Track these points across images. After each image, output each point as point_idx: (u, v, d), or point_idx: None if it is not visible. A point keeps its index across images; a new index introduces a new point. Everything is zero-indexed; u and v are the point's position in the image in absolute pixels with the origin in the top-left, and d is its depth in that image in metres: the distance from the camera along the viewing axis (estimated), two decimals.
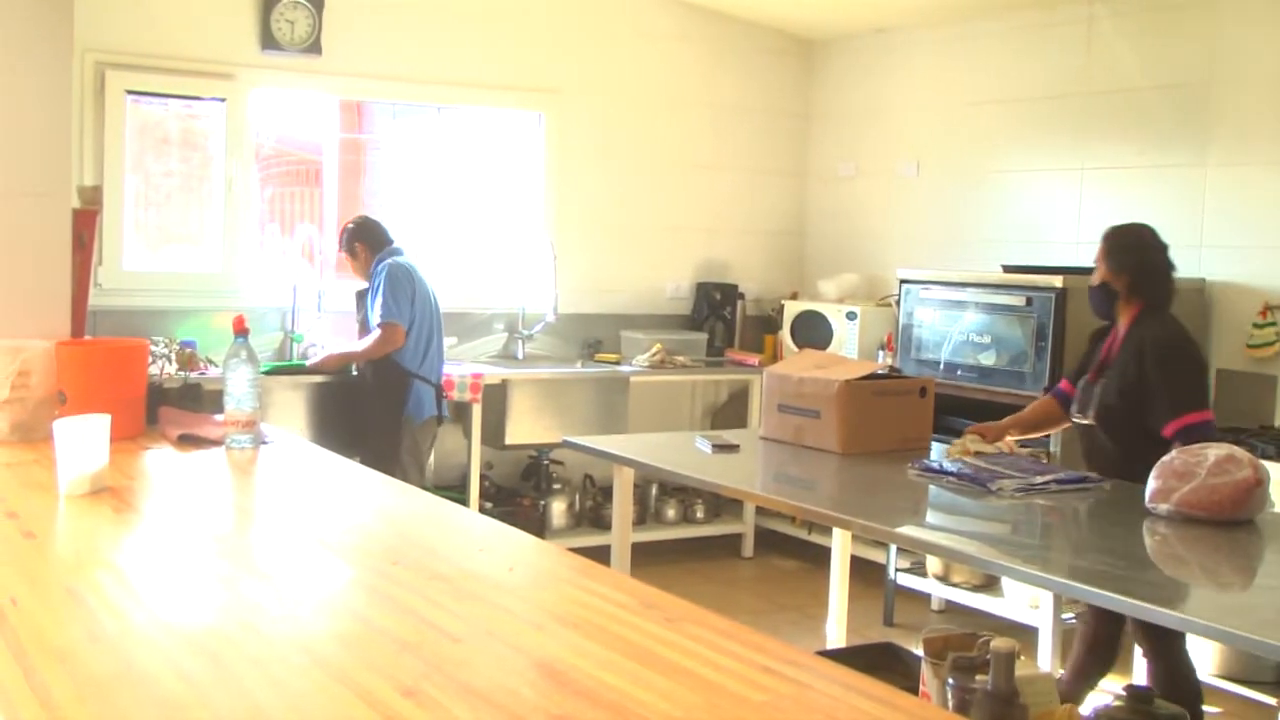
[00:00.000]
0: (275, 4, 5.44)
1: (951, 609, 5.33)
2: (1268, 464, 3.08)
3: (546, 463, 6.01)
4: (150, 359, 4.73)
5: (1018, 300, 4.91)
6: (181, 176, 5.54)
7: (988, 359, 5.01)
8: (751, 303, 6.76)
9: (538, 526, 5.76)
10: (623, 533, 3.85)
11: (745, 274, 6.79)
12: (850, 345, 5.94)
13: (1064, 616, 4.31)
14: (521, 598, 1.92)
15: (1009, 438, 3.82)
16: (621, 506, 3.86)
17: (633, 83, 6.43)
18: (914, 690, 2.78)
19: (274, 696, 1.45)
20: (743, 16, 6.62)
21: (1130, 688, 2.75)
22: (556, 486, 6.03)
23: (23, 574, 1.92)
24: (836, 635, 4.31)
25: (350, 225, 5.20)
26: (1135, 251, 3.65)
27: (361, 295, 5.20)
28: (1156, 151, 5.21)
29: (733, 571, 6.13)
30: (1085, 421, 3.66)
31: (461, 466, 5.71)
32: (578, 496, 6.06)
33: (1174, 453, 3.01)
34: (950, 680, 2.45)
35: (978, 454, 3.57)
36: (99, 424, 2.44)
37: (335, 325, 5.58)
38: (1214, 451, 2.91)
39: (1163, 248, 3.69)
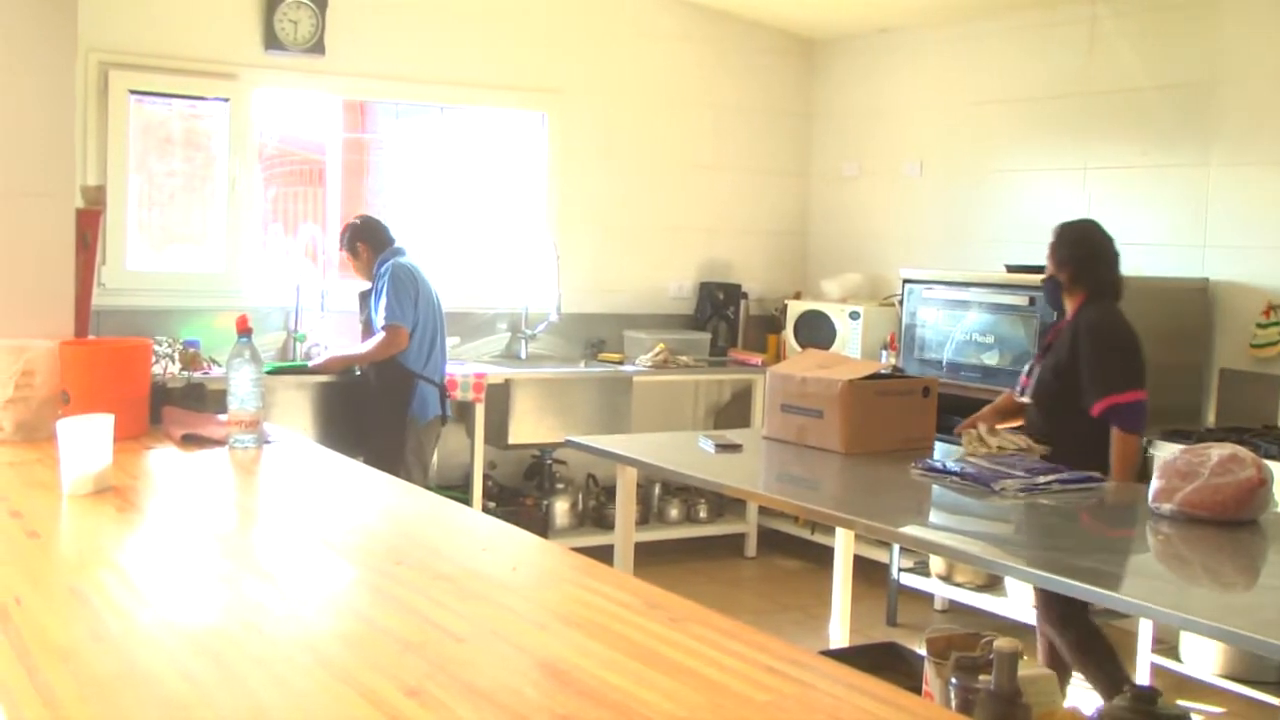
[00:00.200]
0: (278, 4, 5.44)
1: (954, 609, 5.33)
2: (1271, 464, 3.08)
3: (550, 462, 6.01)
4: (154, 359, 4.76)
5: (1020, 300, 4.90)
6: (185, 176, 5.54)
7: (991, 359, 5.00)
8: (754, 302, 6.75)
9: (541, 526, 5.76)
10: (626, 532, 3.85)
11: (748, 274, 6.79)
12: (853, 345, 5.94)
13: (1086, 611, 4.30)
14: (525, 597, 1.92)
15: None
16: (624, 506, 3.86)
17: (636, 83, 6.43)
18: (917, 690, 2.78)
19: (277, 696, 1.45)
20: (746, 16, 6.61)
21: (1133, 687, 2.74)
22: (560, 486, 6.03)
23: (26, 573, 1.92)
24: (840, 635, 4.31)
25: (352, 225, 5.20)
26: (1076, 246, 3.90)
27: (364, 296, 5.20)
28: (1159, 151, 5.20)
29: (736, 571, 6.13)
30: (1024, 401, 3.96)
31: (464, 466, 5.71)
32: (581, 496, 6.06)
33: (1178, 452, 3.01)
34: (953, 680, 2.45)
35: (999, 448, 3.56)
36: (102, 424, 2.44)
37: (338, 325, 5.59)
38: (1218, 451, 2.91)
39: (1104, 242, 3.93)
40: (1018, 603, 4.86)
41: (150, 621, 1.72)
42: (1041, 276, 4.01)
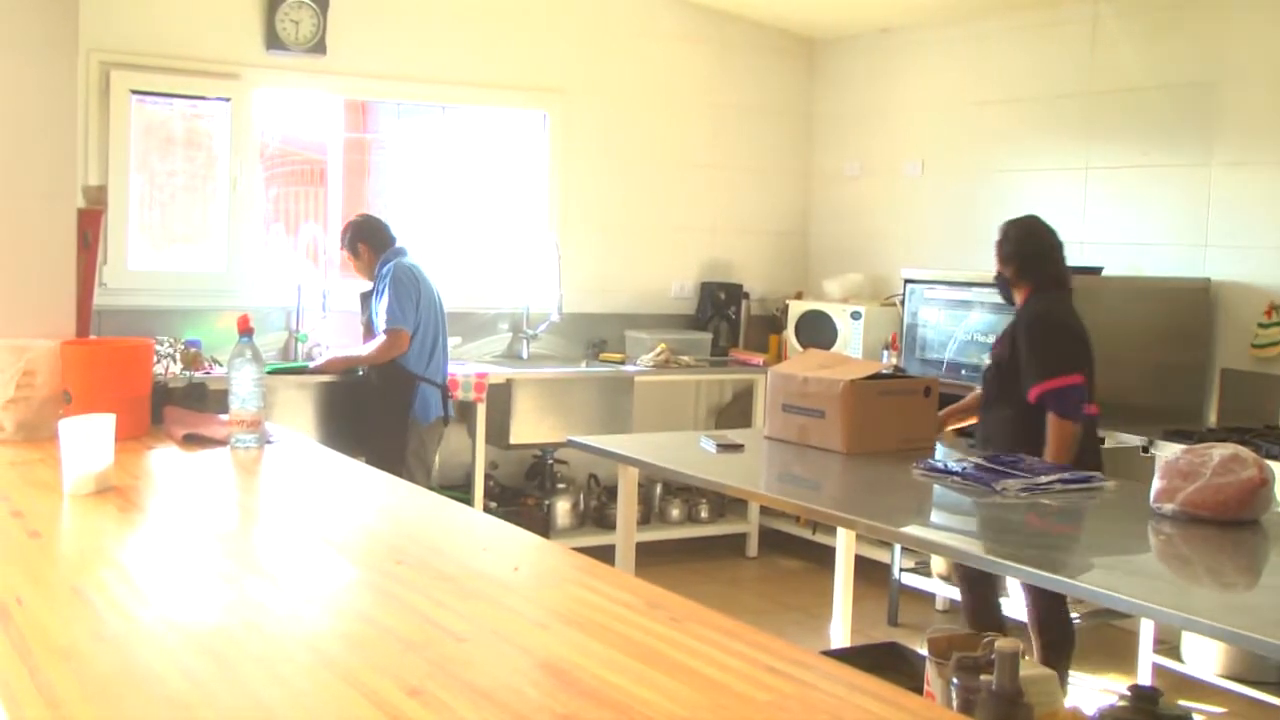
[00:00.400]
0: (280, 4, 5.44)
1: (956, 609, 5.33)
2: (1273, 464, 3.08)
3: (551, 462, 6.01)
4: (155, 358, 4.76)
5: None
6: (186, 176, 5.54)
7: None
8: (756, 302, 6.75)
9: (542, 526, 5.77)
10: (627, 532, 3.85)
11: (750, 274, 6.79)
12: (855, 345, 5.93)
13: (1076, 617, 4.30)
14: (526, 597, 1.92)
15: (948, 426, 4.23)
16: (626, 506, 3.86)
17: (637, 82, 6.43)
18: (919, 690, 2.78)
19: (279, 696, 1.45)
20: (748, 16, 6.61)
21: (1134, 688, 2.74)
22: (561, 486, 6.03)
23: (28, 573, 1.92)
24: (841, 635, 4.31)
25: (353, 224, 5.19)
26: (1019, 243, 4.03)
27: (366, 296, 5.20)
28: (1161, 151, 5.20)
29: (737, 571, 6.13)
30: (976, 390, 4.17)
31: (466, 466, 5.71)
32: (582, 496, 6.06)
33: (1179, 452, 3.01)
34: (955, 680, 2.45)
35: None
36: (104, 423, 2.44)
37: (340, 325, 5.59)
38: (1219, 451, 2.91)
39: (1046, 236, 4.05)
40: (1019, 603, 4.86)
41: (152, 621, 1.72)
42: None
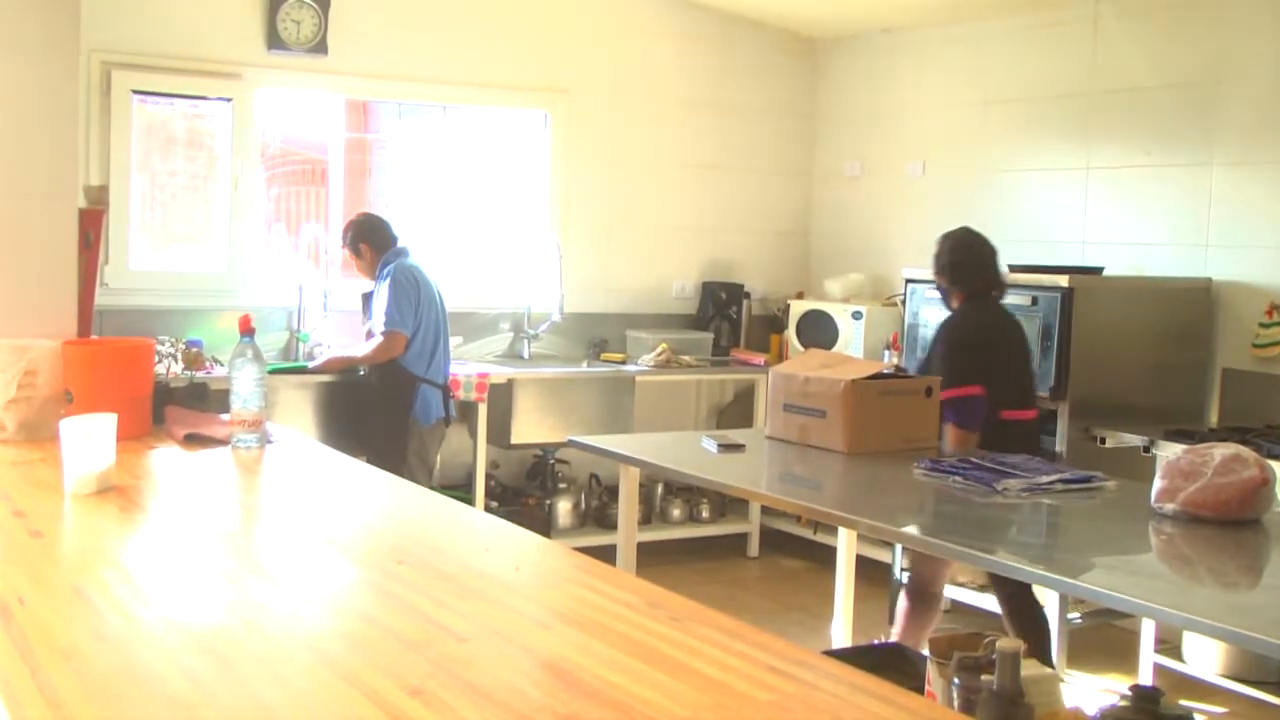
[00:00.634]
0: (281, 4, 5.44)
1: (957, 609, 5.32)
2: (1274, 463, 3.08)
3: (552, 462, 6.01)
4: (156, 358, 4.76)
5: (1023, 300, 4.89)
6: (187, 176, 5.54)
7: None
8: (757, 302, 6.75)
9: (543, 526, 5.77)
10: (628, 532, 3.85)
11: (751, 273, 6.79)
12: (856, 345, 5.93)
13: (1070, 616, 4.31)
14: (527, 597, 1.92)
15: None
16: (627, 506, 3.86)
17: (639, 82, 6.43)
18: (920, 690, 2.78)
19: (280, 695, 1.45)
20: (749, 16, 6.61)
21: (1135, 688, 2.74)
22: (562, 486, 6.03)
23: (29, 573, 1.92)
24: (842, 635, 4.31)
25: (354, 222, 5.18)
26: (948, 254, 4.18)
27: (367, 297, 5.20)
28: (1163, 151, 5.20)
29: (738, 571, 6.13)
30: None
31: (467, 466, 5.71)
32: (583, 496, 6.06)
33: (1180, 452, 3.01)
34: (956, 680, 2.45)
35: None
36: (105, 423, 2.44)
37: (341, 325, 5.59)
38: (1220, 451, 2.90)
39: (973, 246, 4.18)
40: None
41: (153, 621, 1.72)
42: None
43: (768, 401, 4.03)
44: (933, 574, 4.14)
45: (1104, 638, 4.89)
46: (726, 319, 6.56)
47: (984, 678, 2.35)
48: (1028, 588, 3.89)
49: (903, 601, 4.23)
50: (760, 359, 6.28)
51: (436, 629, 1.70)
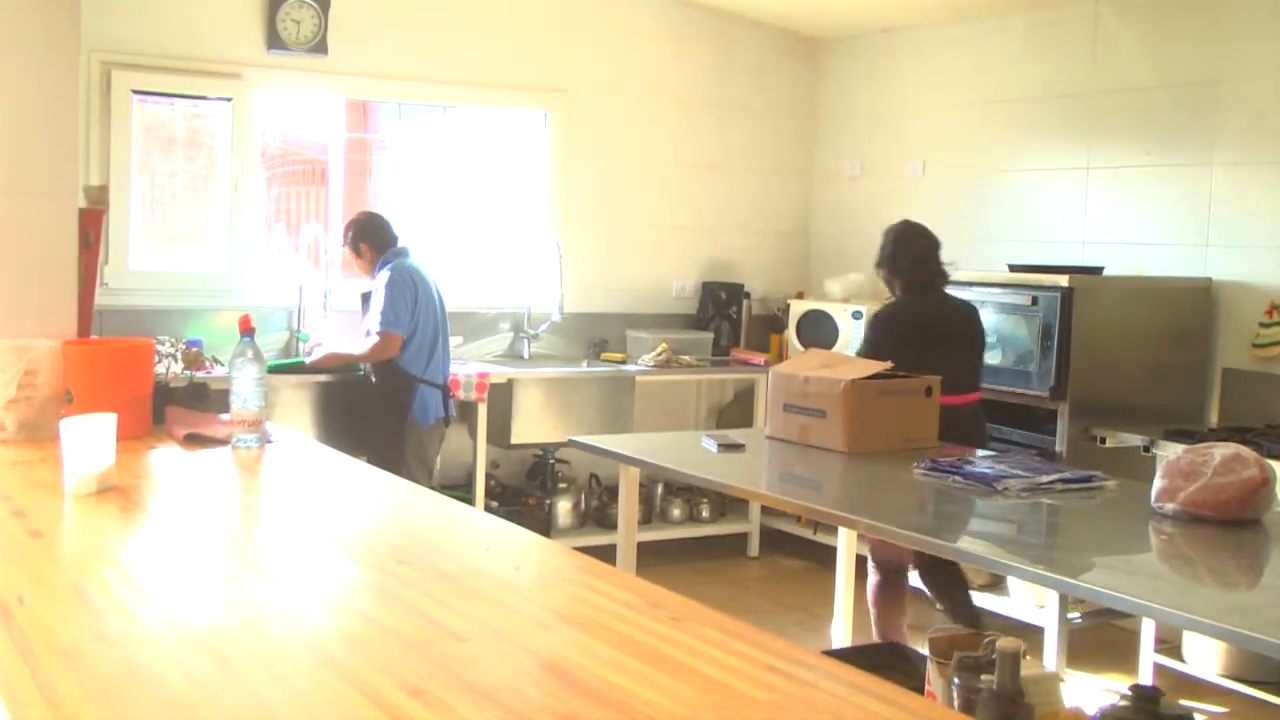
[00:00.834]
0: (281, 3, 5.44)
1: None
2: (1274, 463, 3.08)
3: (552, 462, 6.01)
4: (156, 358, 4.76)
5: (1024, 300, 4.90)
6: (187, 176, 5.54)
7: (994, 358, 5.00)
8: (757, 302, 6.75)
9: (543, 526, 5.77)
10: (628, 532, 3.85)
11: (751, 273, 6.79)
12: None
13: (1070, 616, 4.30)
14: (527, 597, 1.93)
15: None
16: (627, 506, 3.86)
17: (639, 82, 6.43)
18: (920, 690, 2.78)
19: (280, 695, 1.45)
20: (749, 16, 6.61)
21: (1135, 688, 2.74)
22: (562, 486, 6.03)
23: (29, 573, 1.92)
24: (842, 635, 4.31)
25: (355, 221, 5.18)
26: (888, 247, 4.39)
27: (366, 296, 5.20)
28: (1162, 151, 5.20)
29: (738, 571, 6.13)
30: None
31: (467, 466, 5.71)
32: (583, 496, 6.06)
33: (1180, 452, 3.01)
34: (956, 680, 2.45)
35: None
36: (105, 423, 2.44)
37: (341, 325, 5.59)
38: (1220, 451, 2.90)
39: (908, 240, 4.38)
40: (1020, 602, 4.86)
41: (153, 620, 1.72)
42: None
43: (768, 401, 4.03)
44: (894, 550, 4.25)
45: (1104, 638, 4.89)
46: (726, 319, 6.56)
47: (984, 678, 2.35)
48: (959, 581, 4.25)
49: (873, 578, 4.37)
50: (760, 359, 6.28)
51: (436, 629, 1.70)
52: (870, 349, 4.27)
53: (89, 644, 1.60)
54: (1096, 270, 5.13)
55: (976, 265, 5.73)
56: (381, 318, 4.92)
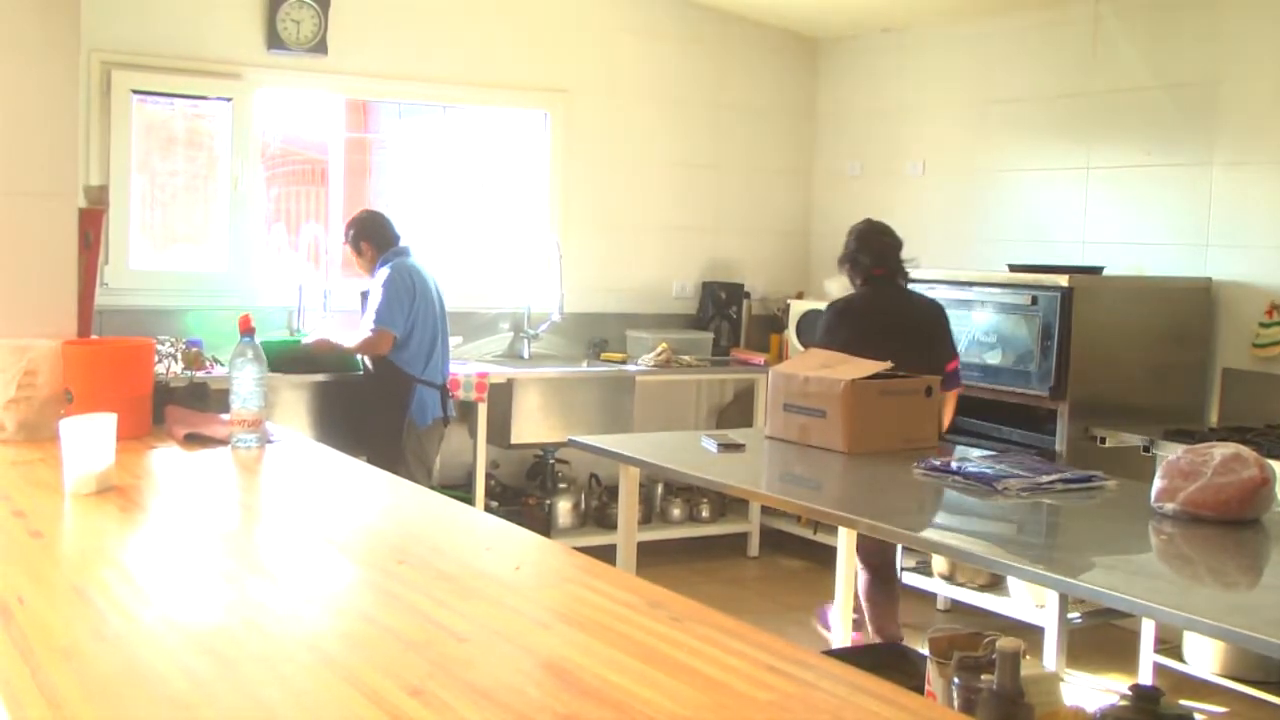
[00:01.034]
0: (281, 3, 5.44)
1: (957, 608, 5.33)
2: (1274, 463, 3.08)
3: (552, 462, 6.01)
4: (156, 358, 4.76)
5: (1023, 299, 4.90)
6: (187, 176, 5.55)
7: (993, 358, 5.00)
8: (757, 302, 6.75)
9: (543, 526, 5.77)
10: (628, 532, 3.85)
11: (751, 273, 6.79)
12: None
13: (1070, 616, 4.30)
14: (527, 597, 1.93)
15: None
16: (627, 506, 3.86)
17: (639, 82, 6.43)
18: (920, 690, 2.78)
19: (280, 695, 1.45)
20: (749, 16, 6.61)
21: (1135, 687, 2.74)
22: (562, 486, 6.03)
23: (29, 573, 1.92)
24: (842, 635, 4.31)
25: (357, 219, 5.19)
26: (850, 245, 4.56)
27: (366, 295, 5.20)
28: (1162, 151, 5.20)
29: (738, 571, 6.13)
30: None
31: (467, 466, 5.71)
32: (583, 496, 6.06)
33: (1180, 452, 3.01)
34: (956, 679, 2.45)
35: None
36: (105, 423, 2.44)
37: (341, 324, 5.58)
38: (1220, 451, 2.90)
39: (869, 238, 4.54)
40: (1020, 602, 4.86)
41: (153, 620, 1.72)
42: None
43: (768, 401, 4.03)
44: (878, 545, 4.32)
45: (1104, 638, 4.89)
46: (726, 319, 6.56)
47: (984, 678, 2.35)
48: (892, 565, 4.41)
49: (862, 576, 4.43)
50: (760, 359, 6.28)
51: (436, 629, 1.70)
52: (824, 336, 4.40)
53: (89, 644, 1.60)
54: (1096, 270, 5.13)
55: (976, 265, 5.75)
56: (376, 315, 4.92)
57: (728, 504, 6.36)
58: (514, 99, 6.15)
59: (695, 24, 6.55)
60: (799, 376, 3.81)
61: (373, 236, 5.12)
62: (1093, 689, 4.46)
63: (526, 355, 6.10)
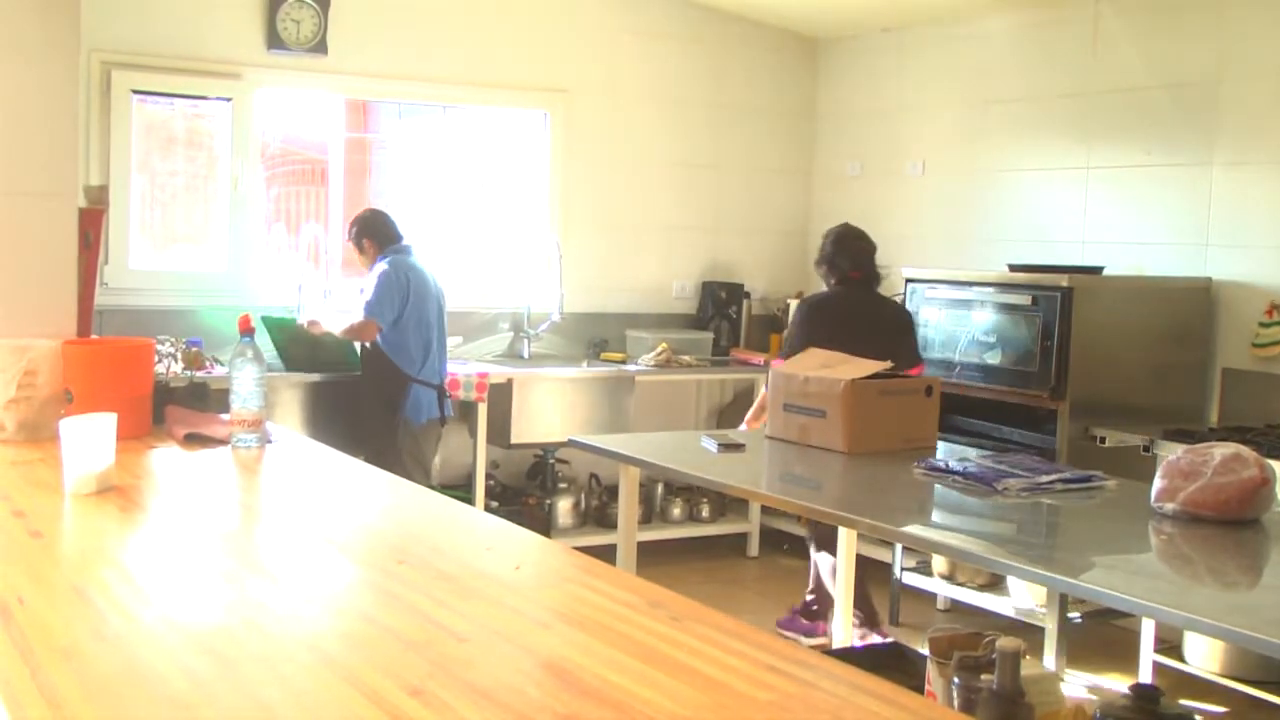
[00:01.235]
0: (281, 3, 5.44)
1: (957, 608, 5.33)
2: (1274, 463, 3.08)
3: (552, 462, 6.01)
4: (156, 358, 4.76)
5: (1023, 300, 4.90)
6: (187, 176, 5.55)
7: (993, 358, 5.00)
8: (757, 302, 6.75)
9: (543, 526, 5.77)
10: (628, 532, 3.85)
11: (751, 273, 6.79)
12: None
13: (1070, 616, 4.31)
14: (527, 597, 1.92)
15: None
16: (627, 505, 3.86)
17: (639, 82, 6.43)
18: (920, 690, 2.78)
19: (280, 695, 1.45)
20: (749, 16, 6.61)
21: (1135, 687, 2.74)
22: (562, 485, 6.03)
23: (29, 573, 1.92)
24: (842, 634, 4.31)
25: (360, 217, 5.22)
26: (826, 247, 4.81)
27: (364, 292, 5.21)
28: (1162, 151, 5.20)
29: (738, 571, 6.13)
30: None
31: (467, 466, 5.71)
32: (583, 496, 6.06)
33: (1180, 452, 3.01)
34: (956, 679, 2.45)
35: None
36: (105, 423, 2.44)
37: (335, 310, 5.58)
38: (1220, 451, 2.90)
39: (845, 241, 4.79)
40: (1020, 602, 4.86)
41: (153, 620, 1.72)
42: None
43: (768, 401, 4.02)
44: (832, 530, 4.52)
45: (1104, 638, 4.89)
46: (726, 318, 6.56)
47: (984, 678, 2.35)
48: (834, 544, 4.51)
49: (829, 563, 4.65)
50: (760, 359, 6.28)
51: (436, 629, 1.70)
52: (795, 329, 4.69)
53: (89, 644, 1.60)
54: (1096, 270, 5.13)
55: (976, 265, 5.74)
56: (367, 305, 4.96)
57: (727, 504, 6.36)
58: (514, 99, 6.15)
59: (695, 24, 6.55)
60: (799, 376, 3.81)
61: (375, 234, 5.14)
62: (1093, 689, 4.45)
63: (526, 355, 6.10)
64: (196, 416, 3.14)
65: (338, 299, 5.62)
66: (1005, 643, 2.07)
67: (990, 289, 5.09)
